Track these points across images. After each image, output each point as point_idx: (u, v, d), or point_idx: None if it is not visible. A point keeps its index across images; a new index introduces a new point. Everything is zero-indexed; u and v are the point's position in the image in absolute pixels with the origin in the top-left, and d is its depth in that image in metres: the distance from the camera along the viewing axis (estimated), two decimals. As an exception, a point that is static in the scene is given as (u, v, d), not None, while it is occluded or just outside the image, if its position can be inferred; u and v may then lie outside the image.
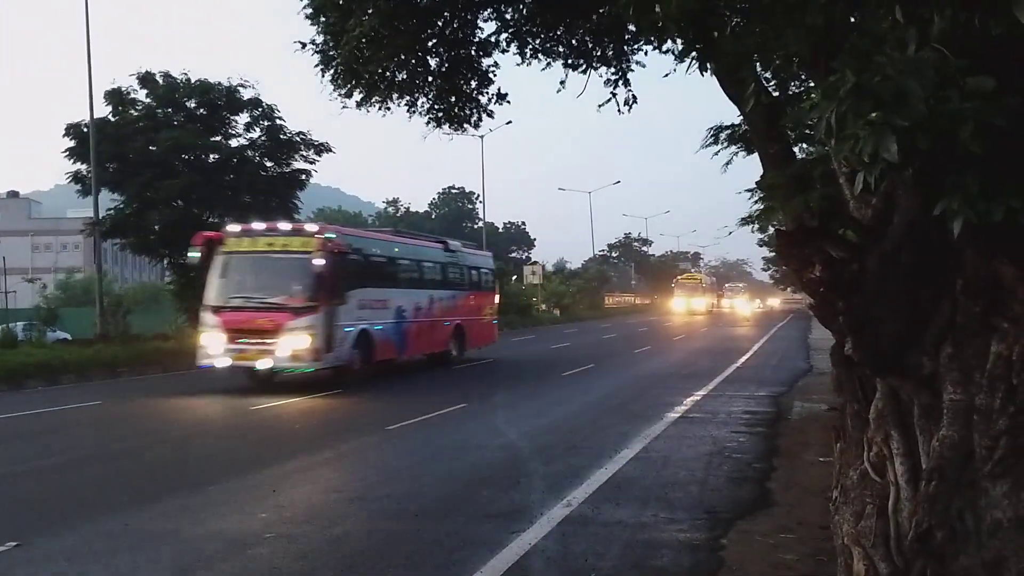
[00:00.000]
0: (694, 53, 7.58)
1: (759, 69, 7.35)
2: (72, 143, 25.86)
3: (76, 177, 26.32)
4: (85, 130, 25.39)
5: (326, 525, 7.22)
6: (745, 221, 13.64)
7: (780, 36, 4.34)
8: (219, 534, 7.02)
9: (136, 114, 26.73)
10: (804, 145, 10.60)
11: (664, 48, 10.30)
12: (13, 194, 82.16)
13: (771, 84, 8.81)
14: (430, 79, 10.68)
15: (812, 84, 6.29)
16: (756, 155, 8.86)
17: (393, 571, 5.98)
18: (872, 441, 4.19)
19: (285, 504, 8.00)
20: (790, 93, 9.02)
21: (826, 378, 14.38)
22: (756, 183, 9.27)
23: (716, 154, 12.04)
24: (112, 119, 26.47)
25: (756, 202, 12.95)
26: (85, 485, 9.13)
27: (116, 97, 26.42)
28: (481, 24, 10.64)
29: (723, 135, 11.77)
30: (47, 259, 72.40)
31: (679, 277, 79.13)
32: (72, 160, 26.04)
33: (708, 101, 11.59)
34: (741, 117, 9.92)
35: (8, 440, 12.01)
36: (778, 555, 6.13)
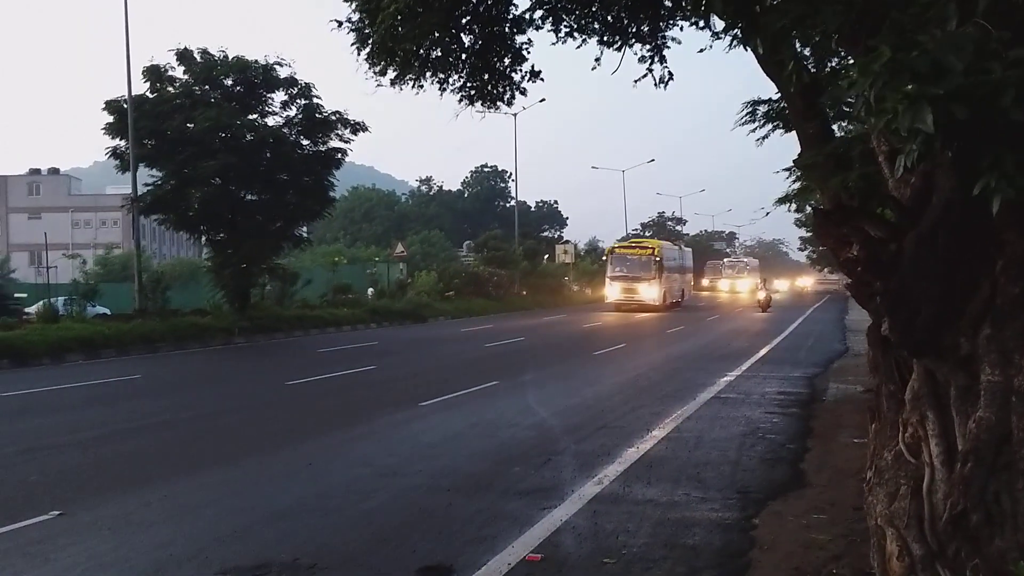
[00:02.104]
0: (734, 30, 7.51)
1: (797, 45, 7.25)
2: (111, 119, 26.17)
3: (115, 153, 26.65)
4: (124, 106, 25.70)
5: (359, 499, 7.33)
6: (782, 200, 13.45)
7: (818, 13, 4.27)
8: (255, 506, 7.15)
9: (174, 91, 26.95)
10: (843, 123, 10.44)
11: (701, 24, 10.19)
12: (54, 171, 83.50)
13: (810, 61, 8.67)
14: (463, 56, 10.64)
15: (851, 61, 6.19)
16: (794, 133, 8.74)
17: (425, 545, 6.05)
18: (907, 422, 4.16)
19: (320, 478, 8.12)
20: (828, 70, 8.86)
21: (862, 360, 14.26)
22: (794, 162, 9.15)
23: (753, 131, 11.87)
24: (150, 96, 26.71)
25: (794, 181, 12.77)
26: (125, 456, 9.34)
27: (154, 74, 26.64)
28: (515, 1, 10.57)
29: (760, 111, 11.60)
30: (87, 235, 73.53)
31: (616, 245, 46.97)
32: (111, 136, 26.38)
33: (745, 78, 11.44)
34: (779, 94, 9.78)
35: (50, 412, 12.30)
36: (810, 535, 6.11)
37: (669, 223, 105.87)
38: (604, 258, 45.97)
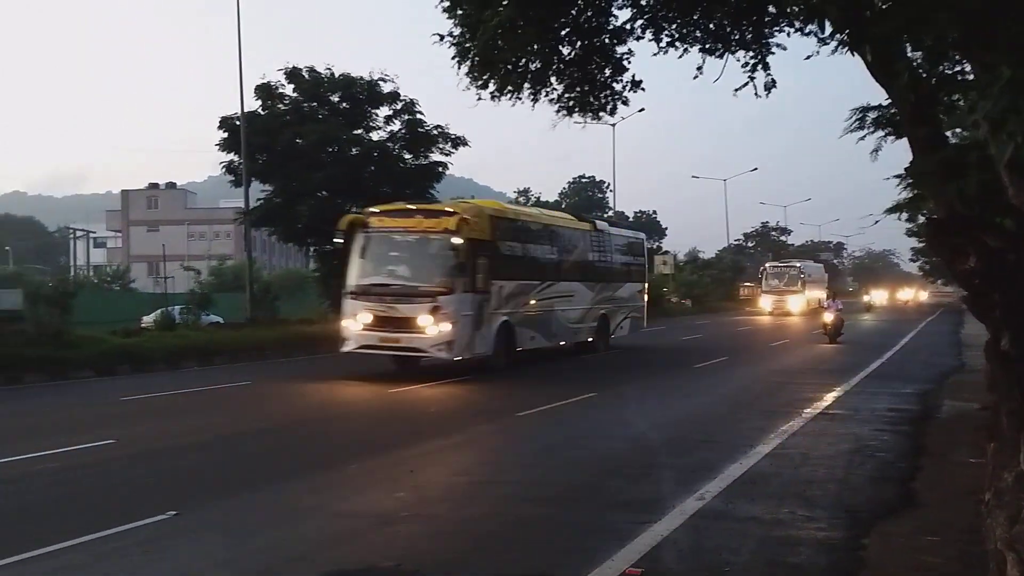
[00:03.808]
0: (841, 35, 7.31)
1: (909, 50, 7.01)
2: (225, 135, 27.37)
3: (229, 168, 27.83)
4: (237, 123, 26.81)
5: (459, 506, 7.43)
6: (892, 210, 12.96)
7: (931, 19, 4.14)
8: (360, 511, 7.32)
9: (283, 108, 27.98)
10: (958, 129, 10.02)
11: (807, 30, 9.96)
12: (171, 185, 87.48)
13: (922, 66, 8.38)
14: (563, 68, 10.70)
15: (967, 66, 5.96)
16: (905, 139, 8.44)
17: (524, 555, 6.08)
18: (1030, 442, 3.96)
19: (421, 485, 8.26)
20: (943, 75, 8.53)
21: (979, 376, 13.61)
22: (905, 170, 8.84)
23: (862, 139, 11.52)
24: (261, 113, 27.81)
25: (904, 189, 12.30)
26: (237, 460, 9.72)
27: (265, 92, 27.73)
28: (615, 11, 10.57)
29: (869, 118, 11.25)
30: (201, 246, 76.76)
31: (374, 210, 18.39)
32: (225, 151, 27.60)
33: (853, 84, 11.11)
34: (889, 99, 9.47)
35: (167, 416, 12.89)
36: (921, 557, 5.86)
37: (773, 232, 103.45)
38: (337, 242, 18.97)
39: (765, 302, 52.39)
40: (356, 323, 17.44)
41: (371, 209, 18.39)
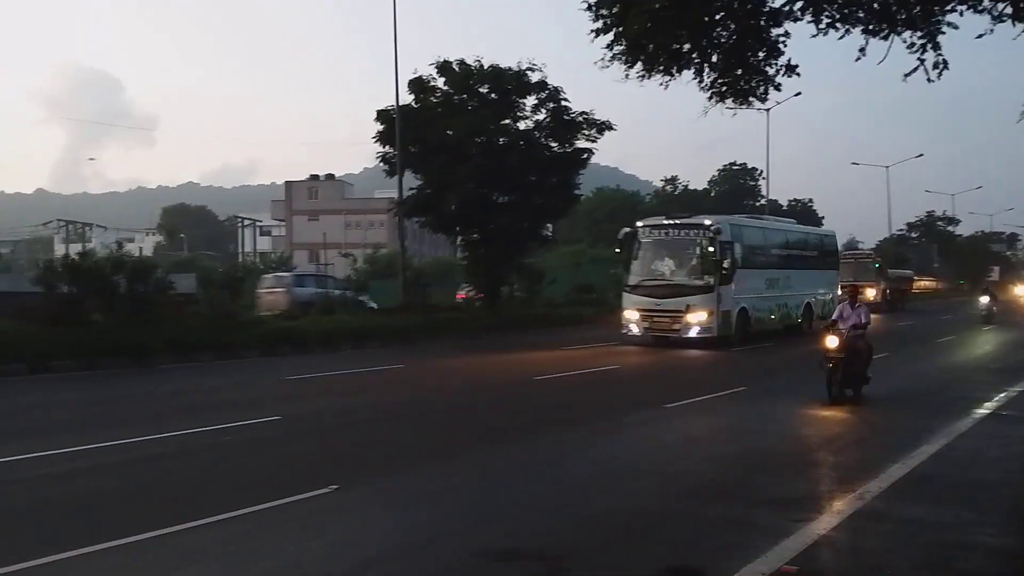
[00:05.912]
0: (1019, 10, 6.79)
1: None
2: (381, 127, 28.29)
3: (384, 158, 28.76)
4: (392, 116, 27.65)
5: (603, 495, 7.41)
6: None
7: None
8: (504, 494, 7.45)
9: (435, 101, 28.63)
10: None
11: (980, 6, 9.30)
12: (330, 176, 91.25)
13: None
14: (715, 50, 10.42)
15: None
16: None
17: (670, 546, 6.00)
18: None
19: (566, 471, 8.30)
20: None
21: None
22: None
23: (1042, 121, 10.65)
24: (415, 106, 28.55)
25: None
26: (393, 438, 10.09)
27: (418, 85, 28.44)
28: (773, -8, 10.20)
29: (1052, 100, 10.40)
30: (357, 235, 79.72)
31: None
32: (380, 144, 28.54)
33: (1036, 62, 10.28)
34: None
35: (328, 396, 13.52)
36: (1111, 574, 5.40)
37: (939, 223, 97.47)
38: None
39: (631, 314, 22.85)
40: None
41: None
